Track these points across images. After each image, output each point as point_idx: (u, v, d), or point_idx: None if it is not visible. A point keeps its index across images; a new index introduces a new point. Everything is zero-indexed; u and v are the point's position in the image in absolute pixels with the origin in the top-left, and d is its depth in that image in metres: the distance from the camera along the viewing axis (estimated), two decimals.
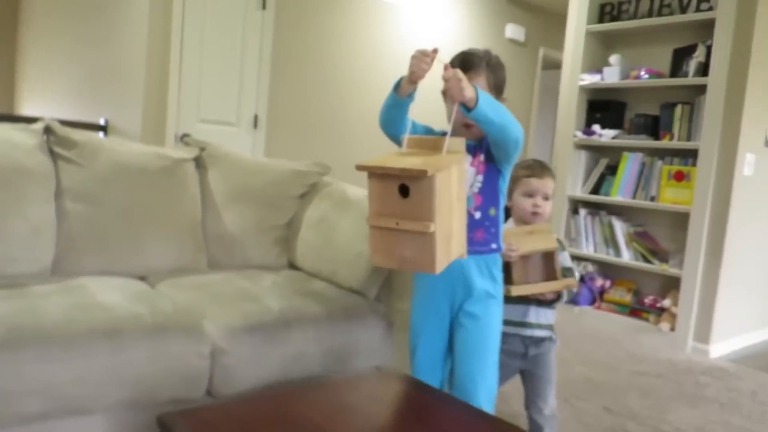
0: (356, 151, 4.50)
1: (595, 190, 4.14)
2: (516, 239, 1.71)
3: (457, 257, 1.40)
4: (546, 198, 1.85)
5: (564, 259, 1.86)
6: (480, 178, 1.58)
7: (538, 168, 1.86)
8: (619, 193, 3.98)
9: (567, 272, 1.84)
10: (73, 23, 4.86)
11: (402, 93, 1.49)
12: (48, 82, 5.49)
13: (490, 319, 1.62)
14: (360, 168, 1.27)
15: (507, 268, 1.72)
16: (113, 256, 1.99)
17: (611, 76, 4.05)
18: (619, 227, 3.98)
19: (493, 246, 1.60)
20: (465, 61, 1.59)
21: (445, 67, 1.40)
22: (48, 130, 2.02)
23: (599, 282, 4.08)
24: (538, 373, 1.86)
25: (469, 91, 1.38)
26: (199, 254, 2.20)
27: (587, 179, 4.21)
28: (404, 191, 1.26)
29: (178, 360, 1.53)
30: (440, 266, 1.27)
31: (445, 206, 1.28)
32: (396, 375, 1.51)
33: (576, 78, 4.18)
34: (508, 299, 1.70)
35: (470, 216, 1.55)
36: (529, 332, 1.84)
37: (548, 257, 1.79)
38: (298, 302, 1.87)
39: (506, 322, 1.77)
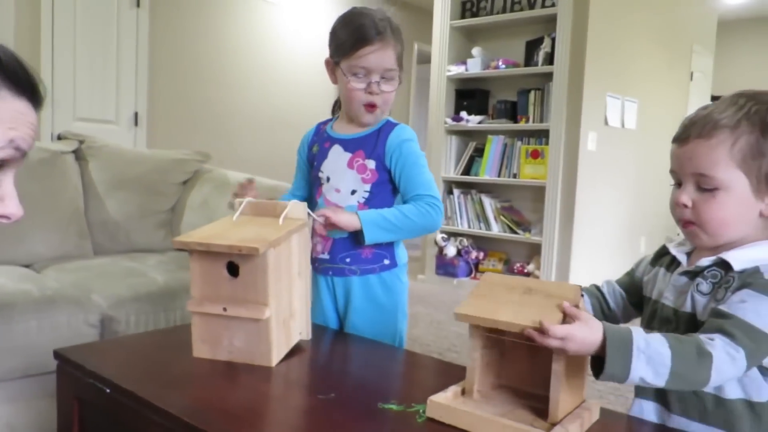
0: (237, 140, 4.63)
1: (466, 171, 4.53)
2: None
3: (302, 338, 1.22)
4: None
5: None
6: (367, 187, 1.31)
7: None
8: (486, 173, 4.39)
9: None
10: None
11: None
12: None
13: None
14: (179, 245, 1.06)
15: None
16: None
17: (474, 66, 4.45)
18: (489, 203, 4.39)
19: (386, 261, 1.38)
20: (364, 32, 1.31)
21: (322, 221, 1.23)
22: None
23: (474, 254, 4.47)
24: None
25: (351, 226, 1.23)
26: (83, 241, 2.28)
27: (459, 162, 4.59)
28: (233, 270, 1.06)
29: (68, 329, 1.64)
30: (277, 357, 1.09)
31: (283, 285, 1.11)
32: None
33: (444, 70, 4.55)
34: None
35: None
36: None
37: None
38: (183, 275, 2.01)
39: None
